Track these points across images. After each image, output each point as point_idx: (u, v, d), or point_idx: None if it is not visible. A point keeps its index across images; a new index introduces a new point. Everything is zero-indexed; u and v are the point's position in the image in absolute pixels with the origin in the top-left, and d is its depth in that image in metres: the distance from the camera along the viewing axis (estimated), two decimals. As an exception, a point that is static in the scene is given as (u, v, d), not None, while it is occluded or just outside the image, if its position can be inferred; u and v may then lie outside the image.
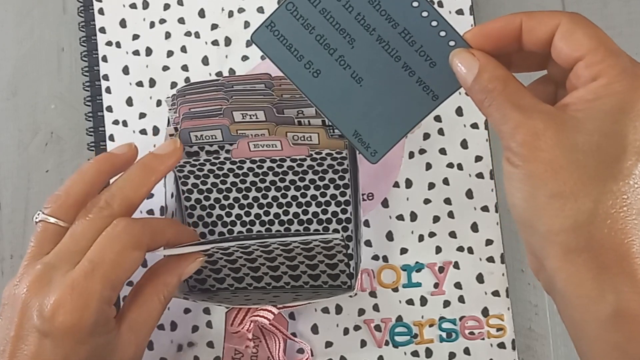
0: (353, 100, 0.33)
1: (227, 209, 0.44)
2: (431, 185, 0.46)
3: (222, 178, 0.43)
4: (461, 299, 0.45)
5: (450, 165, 0.47)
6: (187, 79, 0.48)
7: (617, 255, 0.27)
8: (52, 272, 0.35)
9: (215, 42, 0.49)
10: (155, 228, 0.38)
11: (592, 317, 0.27)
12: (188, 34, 0.49)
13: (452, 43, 0.32)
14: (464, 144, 0.47)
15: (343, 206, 0.43)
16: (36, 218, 0.38)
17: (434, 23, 0.31)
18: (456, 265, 0.46)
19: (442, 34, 0.32)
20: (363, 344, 0.46)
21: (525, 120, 0.28)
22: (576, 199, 0.27)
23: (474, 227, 0.46)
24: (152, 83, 0.48)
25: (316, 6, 0.32)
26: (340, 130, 0.33)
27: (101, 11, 0.49)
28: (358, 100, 0.33)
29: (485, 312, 0.45)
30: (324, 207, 0.43)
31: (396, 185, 0.47)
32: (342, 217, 0.44)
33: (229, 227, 0.44)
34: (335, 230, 0.44)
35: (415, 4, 0.31)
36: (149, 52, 0.49)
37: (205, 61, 0.49)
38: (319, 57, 0.32)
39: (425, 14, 0.31)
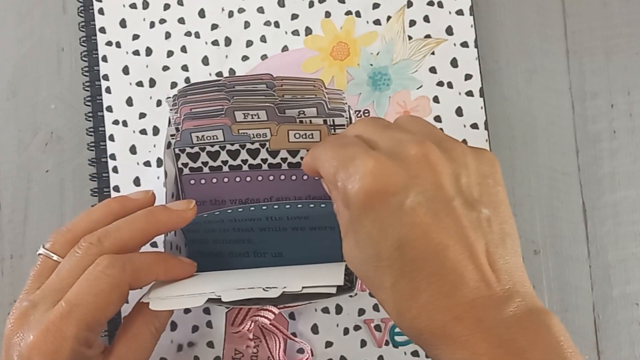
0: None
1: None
2: (431, 185, 0.46)
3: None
4: (461, 299, 0.45)
5: (450, 166, 0.46)
6: (187, 79, 0.48)
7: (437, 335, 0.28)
8: (32, 311, 0.35)
9: (215, 42, 0.49)
10: (140, 266, 0.36)
11: None
12: (188, 34, 0.49)
13: (311, 205, 0.39)
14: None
15: None
16: (38, 252, 0.38)
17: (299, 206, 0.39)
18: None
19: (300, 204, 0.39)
20: (363, 344, 0.46)
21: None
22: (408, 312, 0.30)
23: (474, 227, 0.46)
24: (152, 83, 0.48)
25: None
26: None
27: (101, 11, 0.49)
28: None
29: (485, 312, 0.45)
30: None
31: (396, 185, 0.47)
32: None
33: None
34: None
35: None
36: (149, 52, 0.49)
37: (205, 61, 0.49)
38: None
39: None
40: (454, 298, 0.28)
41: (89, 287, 0.34)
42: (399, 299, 0.29)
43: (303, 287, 0.35)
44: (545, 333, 0.27)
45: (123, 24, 0.49)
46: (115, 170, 0.48)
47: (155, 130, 0.48)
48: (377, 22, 0.48)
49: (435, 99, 0.47)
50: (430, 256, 0.28)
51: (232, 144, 0.41)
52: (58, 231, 0.38)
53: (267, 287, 0.35)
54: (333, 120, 0.41)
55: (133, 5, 0.49)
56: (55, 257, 0.37)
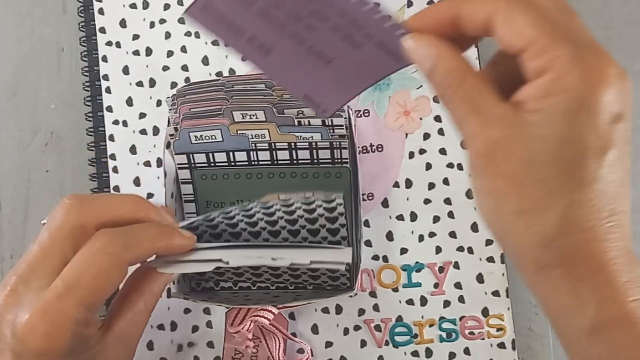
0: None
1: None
2: (431, 185, 0.46)
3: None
4: (461, 299, 0.45)
5: (450, 165, 0.47)
6: (187, 79, 0.48)
7: (592, 266, 0.25)
8: (22, 287, 0.33)
9: (215, 42, 0.49)
10: (141, 241, 0.34)
11: (572, 330, 0.27)
12: (188, 34, 0.49)
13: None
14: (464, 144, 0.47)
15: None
16: (42, 221, 0.36)
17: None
18: (456, 265, 0.46)
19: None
20: (363, 344, 0.46)
21: (481, 129, 0.26)
22: (540, 214, 0.26)
23: (474, 227, 0.46)
24: (152, 83, 0.48)
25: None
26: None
27: (101, 11, 0.49)
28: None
29: (485, 312, 0.45)
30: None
31: (396, 185, 0.47)
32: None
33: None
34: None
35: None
36: (149, 52, 0.49)
37: (205, 61, 0.49)
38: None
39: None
40: None
41: (87, 267, 0.32)
42: (575, 221, 0.26)
43: (311, 262, 0.35)
44: None
45: (123, 24, 0.49)
46: (115, 170, 0.48)
47: (155, 130, 0.48)
48: (377, 22, 0.48)
49: (435, 99, 0.47)
50: None
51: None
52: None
53: (275, 258, 0.35)
54: (332, 120, 0.41)
55: (133, 5, 0.49)
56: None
